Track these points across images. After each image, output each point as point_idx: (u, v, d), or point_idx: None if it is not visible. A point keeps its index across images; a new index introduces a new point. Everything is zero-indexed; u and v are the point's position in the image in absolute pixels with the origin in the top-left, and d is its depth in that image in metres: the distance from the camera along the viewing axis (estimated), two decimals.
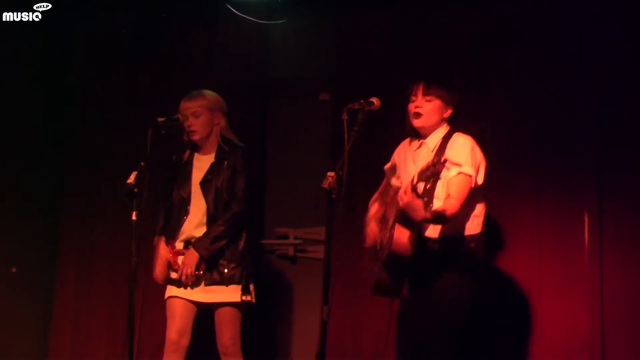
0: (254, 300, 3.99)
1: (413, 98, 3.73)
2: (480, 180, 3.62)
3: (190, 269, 3.85)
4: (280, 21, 4.98)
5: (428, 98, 3.70)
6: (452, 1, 4.72)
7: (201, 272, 3.88)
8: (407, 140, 3.86)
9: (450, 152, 3.58)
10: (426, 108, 3.70)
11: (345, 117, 3.46)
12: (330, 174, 3.33)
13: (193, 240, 3.93)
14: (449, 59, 4.65)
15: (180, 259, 3.93)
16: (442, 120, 3.75)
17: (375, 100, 3.60)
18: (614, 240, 4.34)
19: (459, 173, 3.54)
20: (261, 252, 4.98)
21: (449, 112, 3.75)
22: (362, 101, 3.56)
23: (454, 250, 3.62)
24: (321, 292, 3.29)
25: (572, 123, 4.46)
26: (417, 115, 3.71)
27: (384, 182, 4.00)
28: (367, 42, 4.83)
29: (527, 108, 4.52)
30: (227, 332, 3.91)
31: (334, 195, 3.32)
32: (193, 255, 3.88)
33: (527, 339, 4.39)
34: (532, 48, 4.56)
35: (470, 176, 3.55)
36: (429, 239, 3.62)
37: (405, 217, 3.49)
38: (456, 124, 3.79)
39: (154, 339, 4.57)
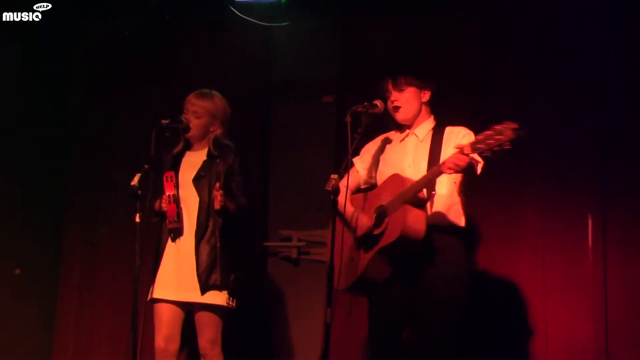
0: (234, 306, 3.91)
1: (387, 94, 3.71)
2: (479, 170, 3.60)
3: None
4: (284, 24, 4.98)
5: (400, 88, 3.69)
6: (454, 3, 4.73)
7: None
8: (380, 137, 3.81)
9: (464, 141, 3.48)
10: (402, 99, 3.69)
11: (348, 119, 3.46)
12: (334, 176, 3.33)
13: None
14: (451, 60, 4.66)
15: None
16: (423, 105, 3.72)
17: (379, 103, 3.61)
18: (618, 242, 4.35)
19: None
20: (265, 254, 4.98)
21: (427, 95, 3.72)
22: (366, 104, 3.57)
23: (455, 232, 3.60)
24: (325, 294, 3.29)
25: (576, 125, 4.46)
26: (396, 108, 3.69)
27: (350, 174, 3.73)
28: (370, 45, 4.83)
29: (529, 109, 4.51)
30: (206, 334, 3.88)
31: (337, 198, 3.32)
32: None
33: (530, 341, 4.39)
34: (534, 48, 4.56)
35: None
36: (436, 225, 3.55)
37: (417, 200, 3.45)
38: (441, 117, 3.76)
39: None
